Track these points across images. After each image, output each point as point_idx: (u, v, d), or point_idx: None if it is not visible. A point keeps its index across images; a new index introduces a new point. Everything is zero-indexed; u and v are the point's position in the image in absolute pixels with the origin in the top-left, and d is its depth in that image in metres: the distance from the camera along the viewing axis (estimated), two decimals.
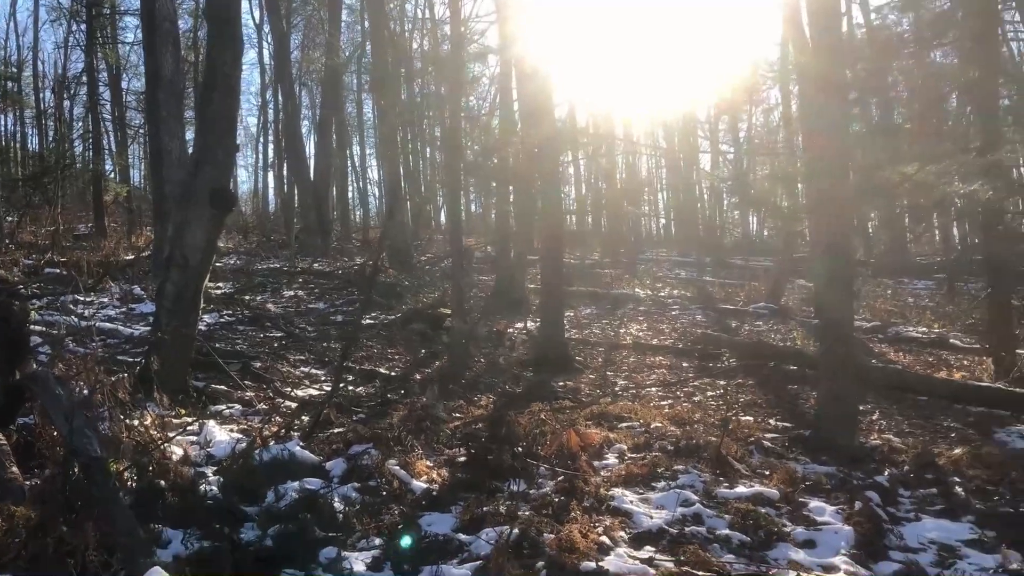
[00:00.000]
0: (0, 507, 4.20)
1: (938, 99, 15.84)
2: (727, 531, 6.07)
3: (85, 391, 5.68)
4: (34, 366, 4.90)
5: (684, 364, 13.45)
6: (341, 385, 10.23)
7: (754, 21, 43.15)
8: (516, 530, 5.46)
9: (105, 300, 14.63)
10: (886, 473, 7.62)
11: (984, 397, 10.55)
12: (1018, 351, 13.36)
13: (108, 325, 12.14)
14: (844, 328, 8.41)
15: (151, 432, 6.49)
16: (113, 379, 6.82)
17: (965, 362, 14.36)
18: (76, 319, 12.46)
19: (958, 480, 7.47)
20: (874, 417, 10.08)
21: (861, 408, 10.25)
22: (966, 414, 10.36)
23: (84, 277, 15.11)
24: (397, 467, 6.79)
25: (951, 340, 16.45)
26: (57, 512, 4.08)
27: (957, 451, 8.23)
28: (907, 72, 16.61)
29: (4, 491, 4.59)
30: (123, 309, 13.91)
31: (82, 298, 14.15)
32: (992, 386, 11.00)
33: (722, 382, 11.86)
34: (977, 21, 12.99)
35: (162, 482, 5.72)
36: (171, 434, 6.98)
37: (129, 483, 5.77)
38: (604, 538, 5.70)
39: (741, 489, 6.91)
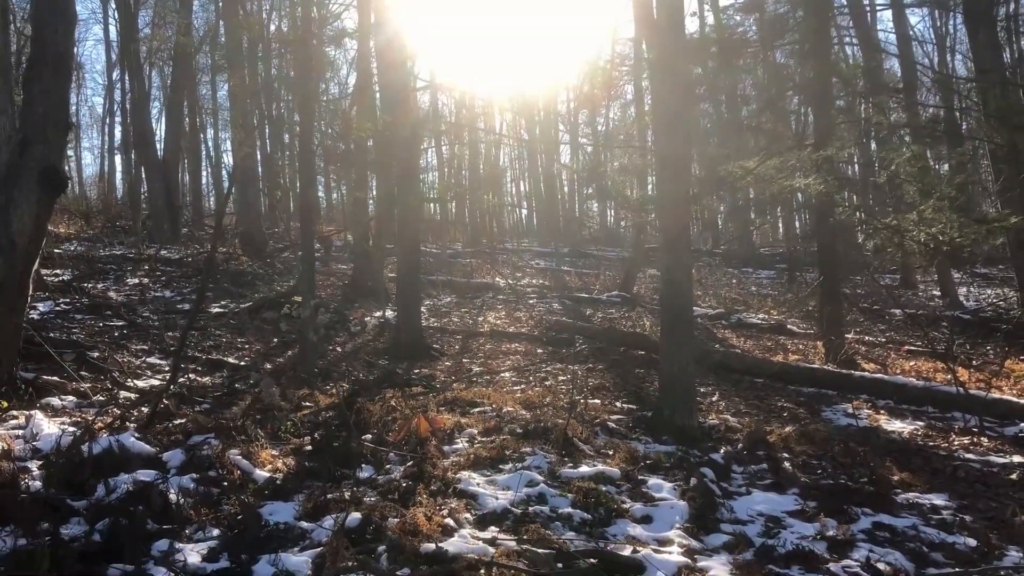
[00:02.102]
0: None
1: (779, 97, 16.72)
2: (569, 509, 6.23)
3: None
4: None
5: (539, 351, 13.69)
6: (184, 375, 9.86)
7: (614, 16, 44.30)
8: (359, 515, 5.42)
9: None
10: (721, 451, 8.00)
11: (813, 378, 11.25)
12: (846, 336, 14.33)
13: None
14: (684, 313, 8.76)
15: None
16: None
17: (800, 346, 15.27)
18: None
19: (787, 456, 7.93)
20: (714, 399, 10.57)
21: (702, 390, 10.76)
22: (798, 395, 11.01)
23: None
24: (239, 456, 6.60)
25: (788, 326, 17.47)
26: None
27: (787, 429, 8.74)
28: (751, 71, 17.45)
29: None
30: None
31: None
32: (820, 367, 11.74)
33: (573, 367, 12.13)
34: (812, 20, 13.81)
35: None
36: None
37: None
38: (449, 520, 5.74)
39: (584, 469, 7.11)
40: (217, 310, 14.83)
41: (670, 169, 8.89)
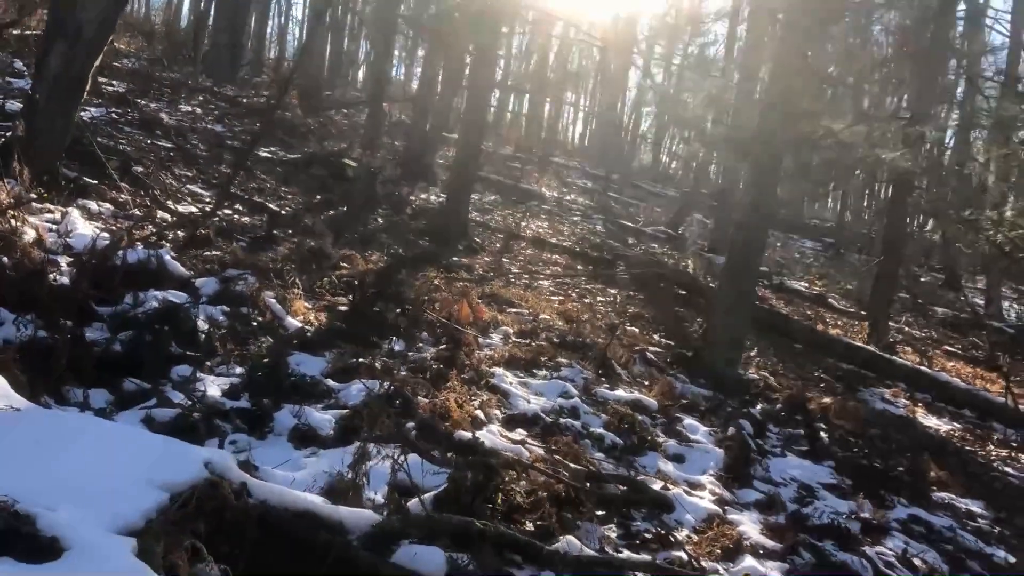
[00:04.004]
0: None
1: (883, 61, 15.83)
2: (601, 430, 5.95)
3: None
4: None
5: (579, 267, 13.29)
6: (226, 209, 9.56)
7: None
8: (392, 386, 5.13)
9: None
10: (759, 407, 7.67)
11: (857, 357, 10.81)
12: (891, 323, 13.86)
13: None
14: (754, 260, 8.35)
15: (1, 202, 5.72)
16: None
17: (839, 322, 14.79)
18: None
19: (823, 427, 7.59)
20: (752, 353, 10.17)
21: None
22: (836, 369, 10.60)
23: None
24: (273, 300, 6.31)
25: (830, 299, 16.94)
26: None
27: (827, 400, 8.37)
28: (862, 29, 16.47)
29: None
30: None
31: None
32: (866, 347, 11.29)
33: (613, 290, 11.75)
34: None
35: (4, 258, 5.05)
36: (28, 219, 6.25)
37: None
38: (479, 412, 5.48)
39: (621, 393, 6.80)
40: (266, 155, 14.43)
41: (777, 112, 8.33)
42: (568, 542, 4.00)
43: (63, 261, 5.87)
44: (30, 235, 5.94)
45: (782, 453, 6.65)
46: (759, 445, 6.62)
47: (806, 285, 18.31)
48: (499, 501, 4.19)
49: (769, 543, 4.84)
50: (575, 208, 21.39)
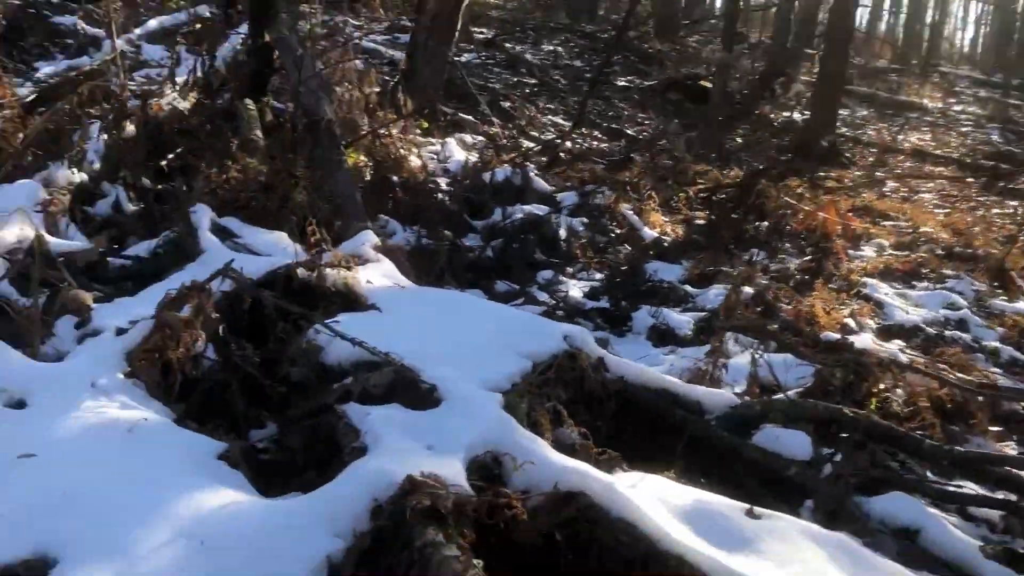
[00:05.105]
0: (239, 159, 4.20)
1: None
2: (997, 344, 5.24)
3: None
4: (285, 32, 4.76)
5: (969, 179, 11.79)
6: (585, 136, 9.86)
7: None
8: (750, 290, 4.94)
9: (376, 26, 14.77)
10: None
11: None
12: None
13: (371, 46, 12.25)
14: None
15: (393, 134, 6.37)
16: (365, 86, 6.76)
17: None
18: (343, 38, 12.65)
19: None
20: None
21: None
22: None
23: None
24: (630, 211, 6.37)
25: None
26: (284, 171, 4.02)
27: None
28: None
29: (250, 149, 4.59)
30: (389, 37, 14.02)
31: (353, 21, 14.33)
32: None
33: (1013, 202, 10.27)
34: None
35: (395, 177, 5.64)
36: (414, 148, 6.93)
37: (366, 175, 5.75)
38: (849, 320, 5.08)
39: (1022, 306, 5.93)
40: (623, 83, 14.60)
41: None
42: None
43: (443, 182, 6.42)
44: (416, 162, 6.58)
45: None
46: None
47: None
48: (872, 405, 3.88)
49: None
50: (964, 118, 18.99)
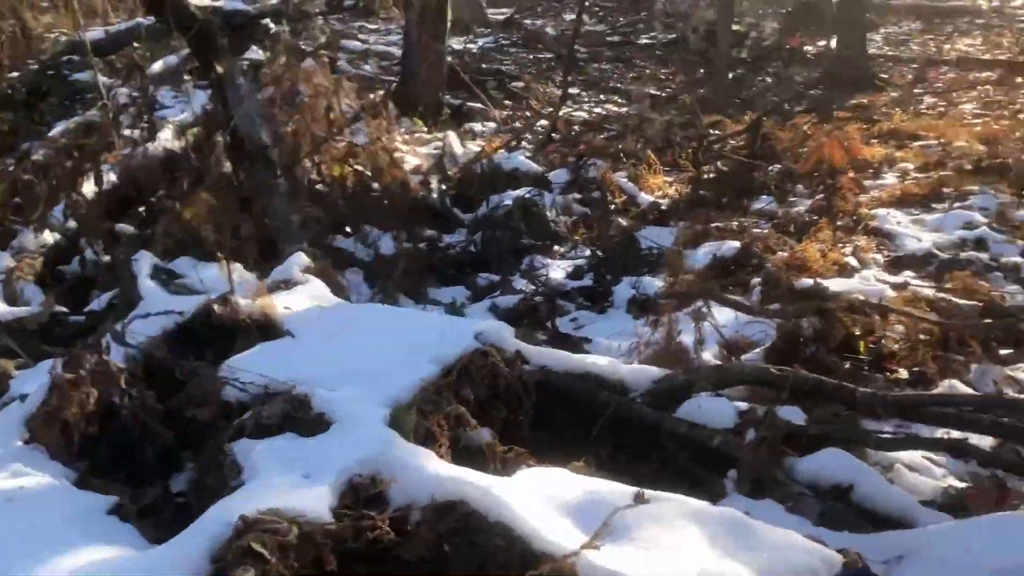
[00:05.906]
0: (195, 198, 4.28)
1: None
2: (1017, 259, 4.95)
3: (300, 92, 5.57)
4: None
5: (1019, 80, 11.10)
6: (600, 106, 9.73)
7: None
8: (736, 244, 4.78)
9: (392, 27, 14.84)
10: None
11: None
12: None
13: (383, 48, 12.33)
14: None
15: (378, 141, 6.36)
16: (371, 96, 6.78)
17: None
18: (360, 43, 12.76)
19: None
20: None
21: None
22: None
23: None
24: (625, 179, 6.24)
25: None
26: (229, 200, 4.08)
27: None
28: None
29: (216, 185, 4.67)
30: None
31: (369, 25, 14.42)
32: None
33: None
34: None
35: (376, 185, 5.64)
36: (411, 148, 6.93)
37: (349, 188, 5.76)
38: (850, 259, 4.89)
39: None
40: (646, 41, 14.28)
41: None
42: (951, 386, 3.45)
43: (435, 180, 6.38)
44: (410, 162, 6.56)
45: None
46: None
47: None
48: (862, 348, 3.72)
49: None
50: (1021, 13, 17.87)
